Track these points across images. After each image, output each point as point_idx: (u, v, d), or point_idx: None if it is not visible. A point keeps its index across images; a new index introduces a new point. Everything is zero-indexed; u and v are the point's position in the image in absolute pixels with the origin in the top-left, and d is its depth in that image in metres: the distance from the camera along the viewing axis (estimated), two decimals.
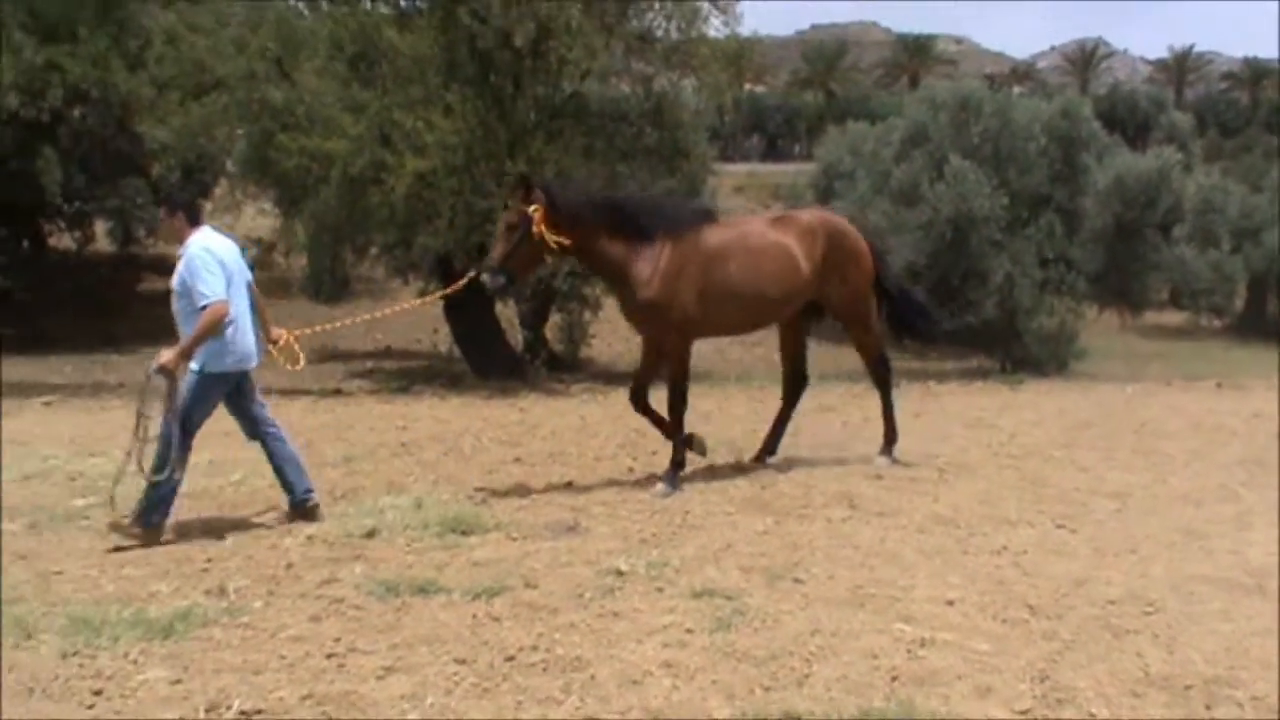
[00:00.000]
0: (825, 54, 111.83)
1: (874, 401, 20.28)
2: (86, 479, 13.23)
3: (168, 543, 10.51)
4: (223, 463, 13.66)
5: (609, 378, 27.03)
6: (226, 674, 7.44)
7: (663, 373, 12.69)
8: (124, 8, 29.72)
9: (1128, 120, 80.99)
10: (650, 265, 11.85)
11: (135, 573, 9.71)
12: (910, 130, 33.36)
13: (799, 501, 12.06)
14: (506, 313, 28.56)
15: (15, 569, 9.90)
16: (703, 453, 13.17)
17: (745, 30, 27.12)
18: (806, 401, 20.73)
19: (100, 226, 36.14)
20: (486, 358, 26.27)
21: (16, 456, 13.81)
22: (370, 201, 23.54)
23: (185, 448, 10.58)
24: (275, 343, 11.35)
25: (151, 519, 10.48)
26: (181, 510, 11.68)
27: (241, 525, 11.27)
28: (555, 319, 30.25)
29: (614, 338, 33.07)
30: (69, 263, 36.10)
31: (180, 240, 10.53)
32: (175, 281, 10.43)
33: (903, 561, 9.88)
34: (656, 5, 25.74)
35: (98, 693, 7.21)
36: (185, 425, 10.48)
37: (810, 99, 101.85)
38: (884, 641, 7.90)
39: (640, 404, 12.75)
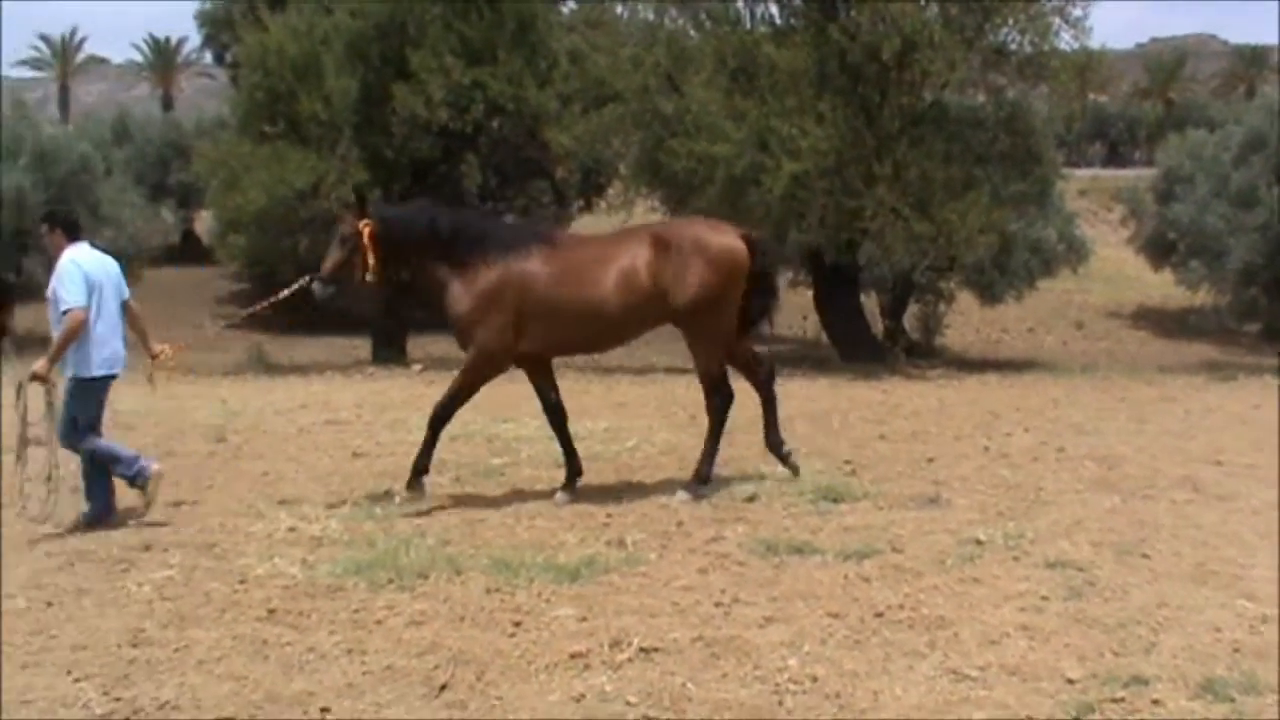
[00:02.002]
0: (1165, 65, 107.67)
1: (1215, 393, 19.64)
2: (501, 441, 13.68)
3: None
4: (617, 430, 13.95)
5: (963, 364, 26.69)
6: (627, 615, 7.64)
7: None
8: (536, 33, 30.50)
9: None
10: (465, 286, 10.79)
11: (545, 524, 10.04)
12: (1249, 136, 31.95)
13: (1144, 483, 11.76)
14: (869, 303, 28.42)
15: (446, 516, 10.42)
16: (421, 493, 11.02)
17: (1090, 43, 26.31)
18: (1148, 390, 20.19)
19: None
20: (851, 343, 26.19)
21: None
22: (749, 200, 23.68)
23: (92, 438, 10.49)
24: (155, 357, 11.07)
25: (97, 512, 10.47)
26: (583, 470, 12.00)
27: (636, 486, 11.48)
28: (913, 309, 29.99)
29: (966, 328, 32.69)
30: None
31: (58, 253, 10.48)
32: (49, 291, 10.41)
33: (1243, 542, 9.55)
34: (1011, 21, 25.19)
35: (517, 624, 7.52)
36: (81, 426, 10.42)
37: (1149, 108, 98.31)
38: (1226, 616, 7.68)
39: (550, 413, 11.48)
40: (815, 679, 6.58)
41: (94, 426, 10.51)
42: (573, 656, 6.92)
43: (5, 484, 10.99)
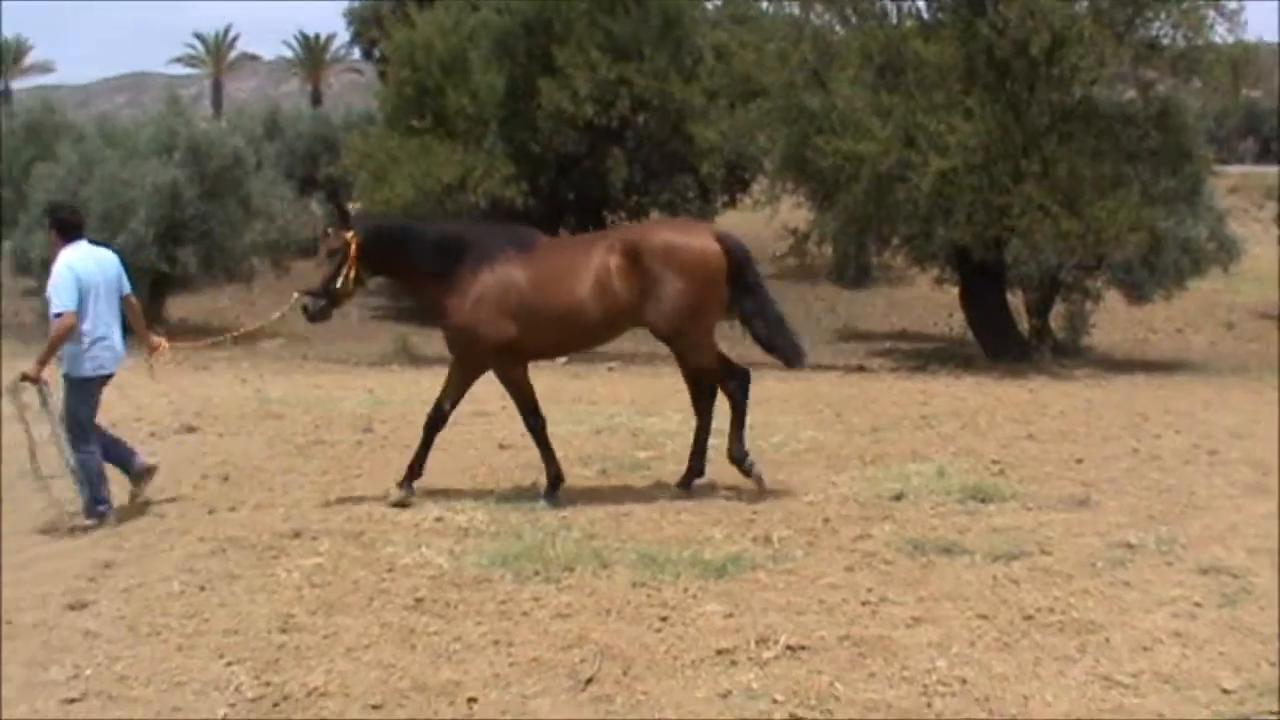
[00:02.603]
0: None
1: None
2: (646, 435, 13.70)
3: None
4: (763, 426, 13.87)
5: (1110, 364, 26.22)
6: (773, 612, 7.62)
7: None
8: (681, 28, 30.56)
9: None
10: (458, 294, 10.77)
11: (691, 519, 10.05)
12: None
13: None
14: (1014, 301, 28.05)
15: (592, 509, 10.44)
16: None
17: (1245, 36, 25.61)
18: None
19: (653, 217, 37.25)
20: (997, 342, 25.88)
21: (588, 413, 14.44)
22: (895, 197, 23.55)
23: (86, 440, 10.46)
24: (154, 350, 11.08)
25: (96, 510, 10.40)
26: (729, 467, 11.97)
27: (782, 483, 11.44)
28: (1059, 308, 29.56)
29: (1112, 328, 32.11)
30: None
31: (55, 252, 10.51)
32: (46, 292, 10.41)
33: None
34: (1164, 14, 24.70)
35: (664, 619, 7.54)
36: (77, 424, 10.41)
37: None
38: None
39: (431, 424, 11.23)
40: (964, 681, 6.52)
41: (86, 429, 10.53)
42: (719, 653, 6.93)
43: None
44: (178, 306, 31.51)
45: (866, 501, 10.65)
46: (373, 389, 18.84)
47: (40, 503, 10.48)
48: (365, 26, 50.71)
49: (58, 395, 10.49)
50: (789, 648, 6.97)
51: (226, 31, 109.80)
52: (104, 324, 10.45)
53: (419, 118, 30.56)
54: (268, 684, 6.60)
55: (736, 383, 11.18)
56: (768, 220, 28.05)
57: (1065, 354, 27.18)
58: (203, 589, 8.37)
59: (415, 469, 11.11)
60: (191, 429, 15.12)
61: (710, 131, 27.69)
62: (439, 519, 10.16)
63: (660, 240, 10.79)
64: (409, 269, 11.13)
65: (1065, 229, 22.76)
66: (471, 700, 6.38)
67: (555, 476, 10.99)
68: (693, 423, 11.42)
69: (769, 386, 17.64)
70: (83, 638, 7.44)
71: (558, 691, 6.49)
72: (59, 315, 10.13)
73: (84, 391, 10.45)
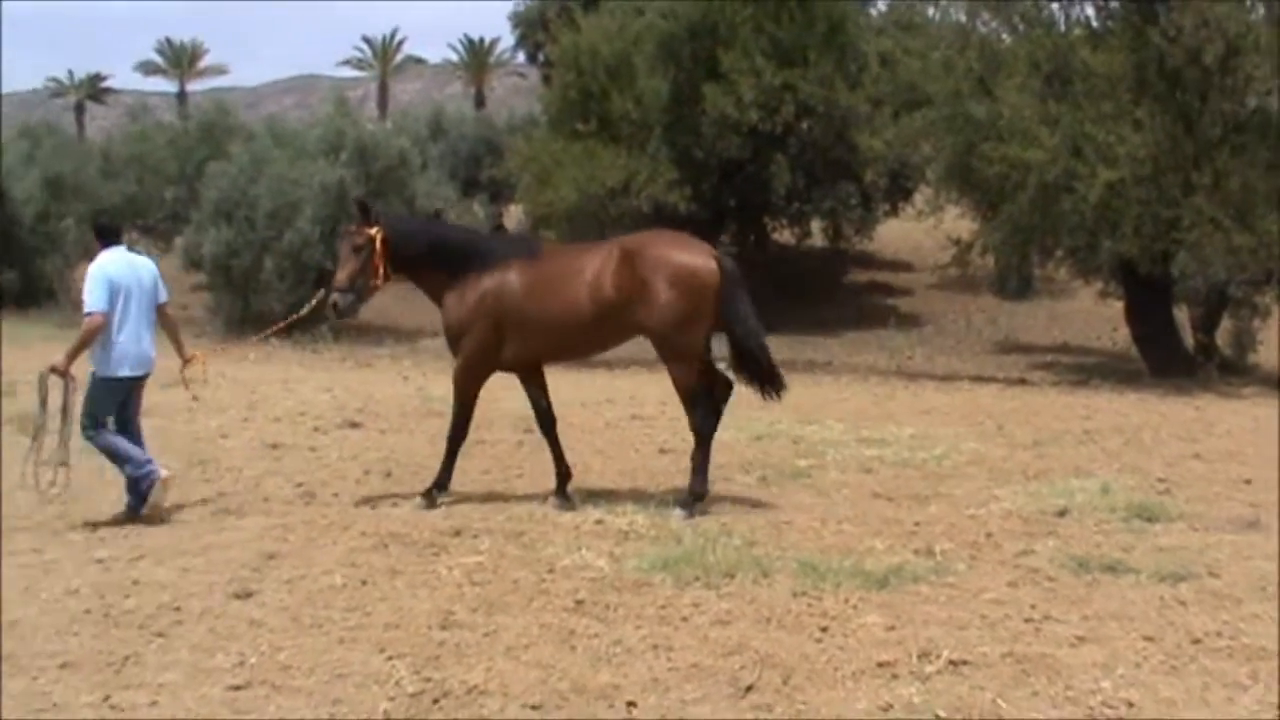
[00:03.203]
0: None
1: None
2: (806, 443, 13.63)
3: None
4: (924, 437, 13.75)
5: (1278, 383, 25.54)
6: (934, 626, 7.53)
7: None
8: (846, 35, 30.43)
9: None
10: (456, 295, 11.02)
11: (852, 529, 9.97)
12: None
13: None
14: (1179, 316, 27.42)
15: (752, 516, 10.45)
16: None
17: None
18: None
19: (814, 224, 37.06)
20: (1162, 357, 25.34)
21: (748, 420, 14.37)
22: (1061, 208, 23.16)
23: (96, 427, 10.64)
24: (188, 361, 11.25)
25: (144, 472, 10.56)
26: (890, 477, 11.89)
27: (944, 495, 11.35)
28: (1226, 325, 28.84)
29: None
30: (786, 256, 37.12)
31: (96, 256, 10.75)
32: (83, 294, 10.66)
33: None
34: None
35: (824, 629, 7.48)
36: (89, 416, 10.58)
37: None
38: None
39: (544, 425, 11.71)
40: (1130, 704, 6.37)
41: (104, 422, 10.72)
42: (880, 665, 6.86)
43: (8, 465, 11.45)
44: None
45: (1029, 516, 10.48)
46: None
47: (41, 487, 10.66)
48: (530, 30, 51.22)
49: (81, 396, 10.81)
50: (951, 663, 6.87)
51: (393, 35, 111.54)
52: (133, 328, 10.73)
53: (583, 121, 30.81)
54: (428, 680, 6.68)
55: (702, 414, 11.16)
56: (930, 230, 27.82)
57: (1232, 371, 26.50)
58: (364, 583, 8.52)
59: (563, 472, 11.35)
60: (355, 425, 15.40)
61: (875, 140, 27.47)
62: (599, 521, 10.24)
63: (656, 251, 10.83)
64: (423, 267, 11.34)
65: (1236, 243, 22.17)
66: (631, 704, 6.40)
67: (442, 483, 11.33)
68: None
69: (930, 398, 17.49)
70: (248, 626, 7.63)
71: (717, 698, 6.48)
72: (90, 314, 10.47)
73: (105, 389, 10.69)
